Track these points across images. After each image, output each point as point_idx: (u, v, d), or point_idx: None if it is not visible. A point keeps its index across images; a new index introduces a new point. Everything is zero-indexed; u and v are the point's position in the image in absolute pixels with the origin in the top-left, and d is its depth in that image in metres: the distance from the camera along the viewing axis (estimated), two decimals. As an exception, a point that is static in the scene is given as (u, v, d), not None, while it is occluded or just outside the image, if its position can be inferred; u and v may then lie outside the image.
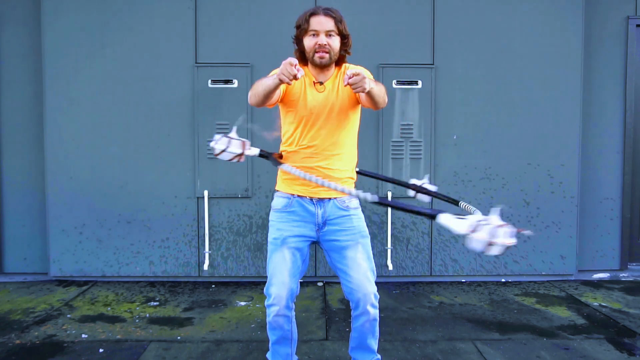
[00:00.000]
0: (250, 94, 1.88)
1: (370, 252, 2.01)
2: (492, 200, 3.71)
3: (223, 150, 1.92)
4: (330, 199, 1.96)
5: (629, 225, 3.88)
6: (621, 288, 3.62)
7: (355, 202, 2.03)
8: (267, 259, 1.98)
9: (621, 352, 2.54)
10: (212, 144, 1.94)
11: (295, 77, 1.65)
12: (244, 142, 1.94)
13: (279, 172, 2.05)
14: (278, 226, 1.97)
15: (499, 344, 2.65)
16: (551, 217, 3.72)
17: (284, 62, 1.65)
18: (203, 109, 3.59)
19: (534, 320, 2.99)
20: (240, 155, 1.94)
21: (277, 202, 2.02)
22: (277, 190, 2.04)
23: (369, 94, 1.78)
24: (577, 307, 3.22)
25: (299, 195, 1.96)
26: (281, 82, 1.69)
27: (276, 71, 1.75)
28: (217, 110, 3.59)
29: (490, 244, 1.42)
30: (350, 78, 1.67)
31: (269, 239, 1.99)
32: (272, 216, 2.02)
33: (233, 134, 1.95)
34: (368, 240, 2.01)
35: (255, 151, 1.99)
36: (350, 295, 1.95)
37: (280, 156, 2.02)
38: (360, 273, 1.92)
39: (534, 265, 3.74)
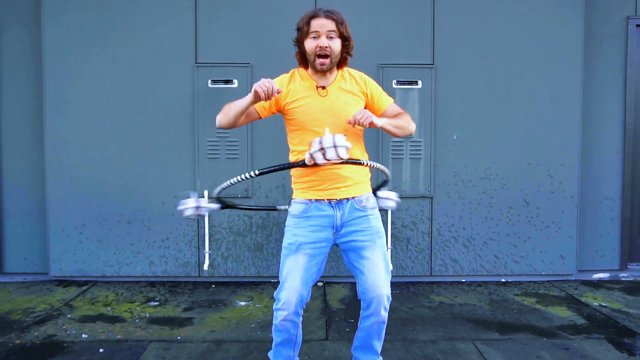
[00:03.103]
0: (218, 117, 1.94)
1: (387, 251, 2.00)
2: (492, 200, 3.71)
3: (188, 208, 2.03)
4: (348, 199, 1.94)
5: (629, 225, 3.88)
6: (621, 288, 3.62)
7: (372, 202, 2.01)
8: (281, 264, 1.95)
9: (621, 352, 2.54)
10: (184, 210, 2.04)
11: (271, 93, 1.72)
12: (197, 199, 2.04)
13: (293, 184, 2.03)
14: (294, 232, 1.94)
15: (499, 344, 2.65)
16: (551, 217, 3.72)
17: (262, 79, 1.74)
18: (203, 109, 3.59)
19: (534, 320, 2.99)
20: (197, 208, 2.03)
21: (295, 208, 1.98)
22: (294, 198, 2.01)
23: (386, 131, 1.86)
24: (577, 307, 3.22)
25: (316, 200, 1.94)
26: (256, 96, 1.74)
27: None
28: (217, 111, 3.55)
29: (335, 147, 1.71)
30: (353, 120, 1.79)
31: (284, 243, 1.95)
32: (289, 221, 1.98)
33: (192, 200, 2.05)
34: (384, 240, 2.00)
35: (214, 206, 2.10)
36: (364, 295, 1.94)
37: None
38: (376, 274, 1.91)
39: (534, 265, 3.74)
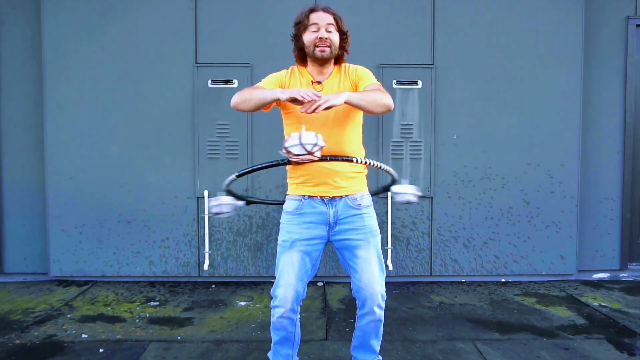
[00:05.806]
0: (238, 98, 1.84)
1: (381, 250, 2.01)
2: (492, 200, 3.71)
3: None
4: (341, 197, 1.95)
5: (629, 226, 3.88)
6: (621, 288, 3.62)
7: (367, 200, 2.02)
8: (276, 261, 1.99)
9: (621, 352, 2.54)
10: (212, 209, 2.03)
11: (312, 106, 1.65)
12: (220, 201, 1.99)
13: (288, 179, 2.04)
14: (288, 229, 1.96)
15: (499, 344, 2.65)
16: (551, 217, 3.72)
17: (305, 89, 1.70)
18: (203, 109, 3.59)
19: (534, 320, 2.99)
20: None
21: (288, 205, 2.00)
22: (288, 194, 2.03)
23: (354, 105, 1.76)
24: (577, 307, 3.22)
25: (309, 196, 1.95)
26: (294, 100, 1.69)
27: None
28: (217, 111, 3.59)
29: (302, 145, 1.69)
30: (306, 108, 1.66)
31: (279, 241, 1.98)
32: (283, 219, 2.00)
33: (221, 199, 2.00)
34: (379, 239, 2.01)
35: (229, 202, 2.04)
36: (358, 294, 1.95)
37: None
38: (370, 272, 1.92)
39: (534, 265, 3.74)
